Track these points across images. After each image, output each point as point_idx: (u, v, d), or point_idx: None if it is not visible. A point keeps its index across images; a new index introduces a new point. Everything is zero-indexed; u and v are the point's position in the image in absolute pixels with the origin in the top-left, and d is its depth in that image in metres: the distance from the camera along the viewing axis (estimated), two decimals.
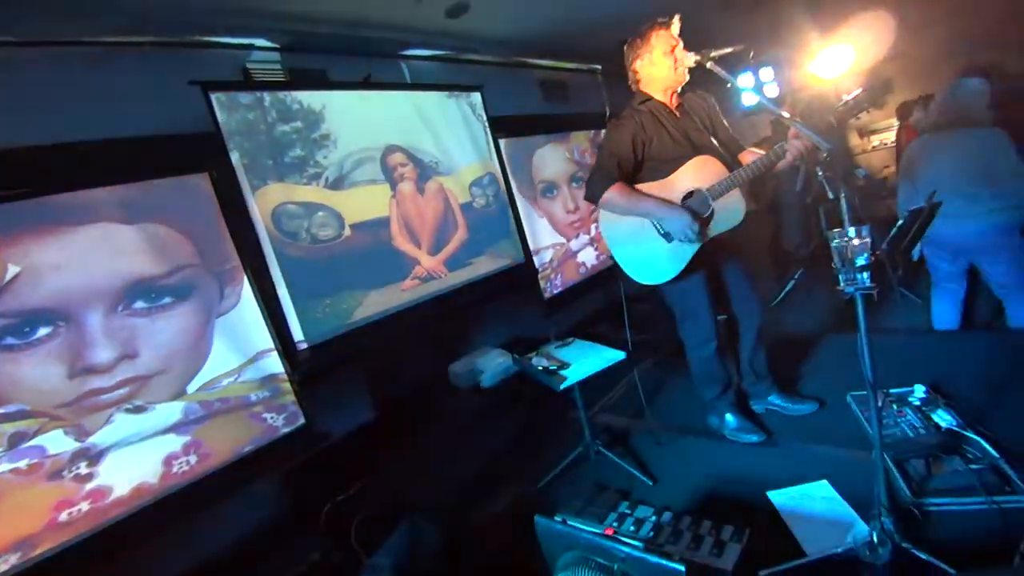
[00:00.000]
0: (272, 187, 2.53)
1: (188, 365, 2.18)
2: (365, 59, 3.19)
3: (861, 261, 1.16)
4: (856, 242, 1.16)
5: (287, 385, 2.43)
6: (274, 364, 2.41)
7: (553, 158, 4.12)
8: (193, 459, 2.12)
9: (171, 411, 2.10)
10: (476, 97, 3.56)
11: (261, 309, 2.39)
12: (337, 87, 2.89)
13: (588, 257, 4.24)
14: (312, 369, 2.55)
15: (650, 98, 1.99)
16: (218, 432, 2.21)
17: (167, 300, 2.14)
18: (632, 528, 1.73)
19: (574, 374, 1.96)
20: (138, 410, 2.04)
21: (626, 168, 1.94)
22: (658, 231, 1.94)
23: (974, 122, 2.32)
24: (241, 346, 2.32)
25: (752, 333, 2.22)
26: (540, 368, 2.01)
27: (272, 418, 2.38)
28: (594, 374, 2.00)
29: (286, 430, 2.40)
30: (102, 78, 2.22)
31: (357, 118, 2.91)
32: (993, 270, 2.39)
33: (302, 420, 2.46)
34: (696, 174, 1.90)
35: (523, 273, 3.68)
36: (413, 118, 3.19)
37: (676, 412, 2.53)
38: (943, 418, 1.82)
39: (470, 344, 3.47)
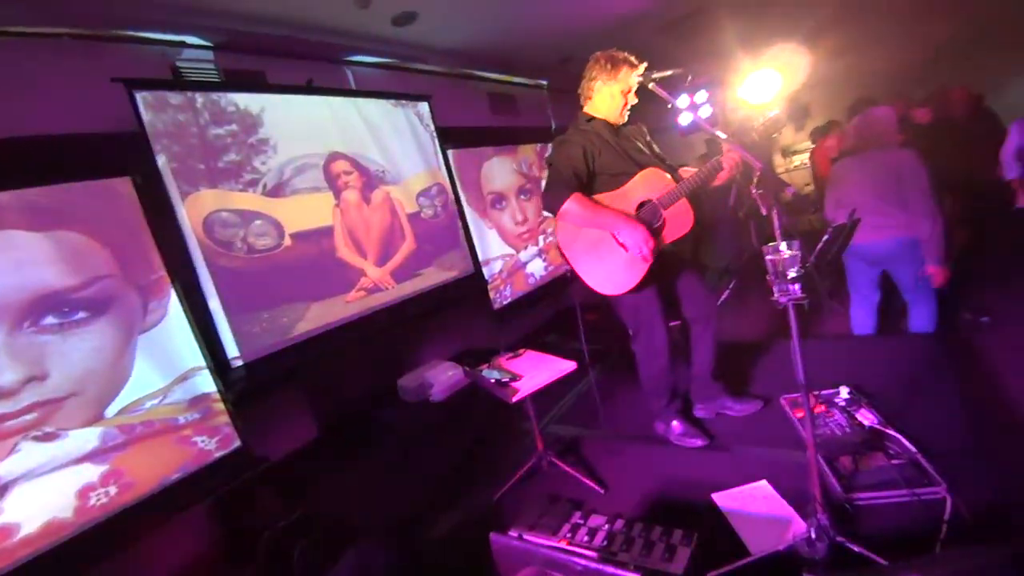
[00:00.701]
0: (204, 193, 2.37)
1: (106, 386, 1.98)
2: (306, 62, 3.08)
3: (792, 273, 1.24)
4: (788, 256, 1.24)
5: (220, 405, 2.27)
6: (205, 383, 2.24)
7: (502, 170, 4.14)
8: (113, 490, 1.93)
9: (86, 437, 1.90)
10: (424, 107, 3.52)
11: (190, 324, 2.22)
12: (276, 90, 2.76)
13: (537, 268, 4.29)
14: (248, 387, 2.40)
15: (594, 119, 2.08)
16: (141, 459, 2.01)
17: (81, 315, 1.94)
18: (586, 538, 1.73)
19: (526, 386, 1.95)
20: (48, 437, 1.83)
21: (581, 179, 1.98)
22: (616, 240, 1.98)
23: (885, 145, 2.58)
24: (167, 364, 2.14)
25: (708, 335, 2.31)
26: (492, 380, 1.99)
27: (204, 441, 2.20)
28: (546, 385, 2.01)
29: (219, 454, 2.23)
30: (8, 69, 2.00)
31: (298, 123, 2.80)
32: (904, 277, 2.66)
33: (237, 442, 2.29)
34: (646, 186, 1.98)
35: (472, 284, 3.66)
36: (358, 125, 3.11)
37: (624, 420, 2.58)
38: (866, 417, 1.97)
39: (419, 357, 3.40)
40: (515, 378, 2.01)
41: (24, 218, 1.84)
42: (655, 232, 1.95)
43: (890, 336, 2.92)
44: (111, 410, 1.97)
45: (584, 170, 1.98)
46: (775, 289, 1.29)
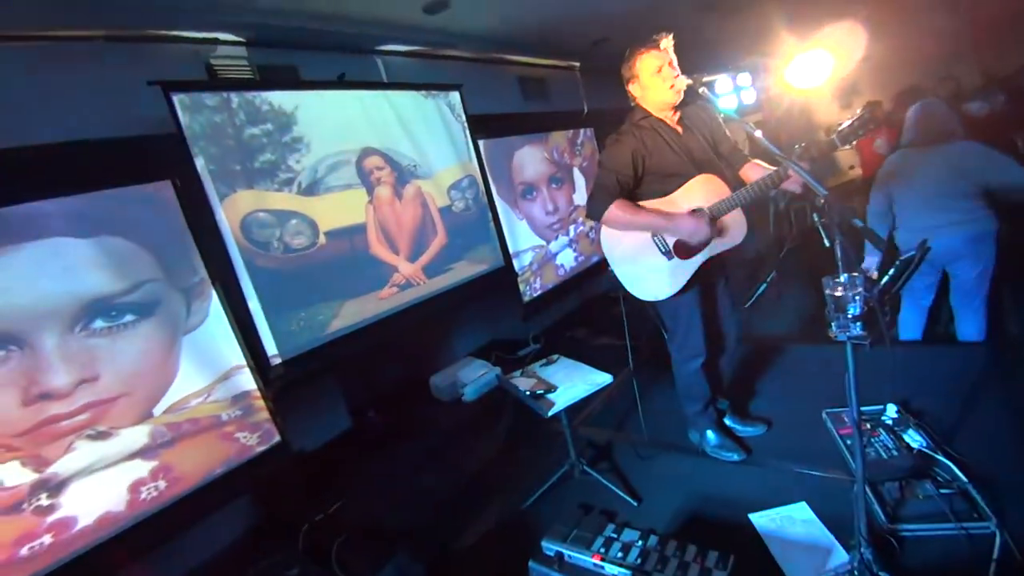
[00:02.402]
0: (241, 194, 2.39)
1: (154, 386, 2.06)
2: (338, 54, 3.03)
3: (854, 311, 1.17)
4: (850, 292, 1.17)
5: (260, 402, 2.33)
6: (246, 381, 2.30)
7: (532, 159, 4.06)
8: (162, 484, 2.02)
9: (137, 436, 1.99)
10: (455, 96, 3.45)
11: (231, 324, 2.27)
12: (310, 87, 2.73)
13: (567, 259, 4.23)
14: (287, 384, 2.46)
15: (649, 114, 1.95)
16: (188, 455, 2.10)
17: (129, 318, 2.00)
18: (619, 554, 1.73)
19: (562, 399, 1.94)
20: (101, 436, 1.92)
21: (626, 184, 1.90)
22: (659, 249, 1.92)
23: (950, 136, 2.43)
24: (211, 364, 2.21)
25: (732, 349, 2.26)
26: (527, 392, 1.98)
27: (245, 437, 2.28)
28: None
29: (260, 449, 2.31)
30: (48, 75, 2.02)
31: (331, 119, 2.77)
32: (965, 276, 2.49)
33: (277, 438, 2.37)
34: (699, 193, 1.88)
35: (502, 277, 3.64)
36: (390, 119, 3.06)
37: (657, 425, 2.56)
38: (914, 439, 1.90)
39: (449, 350, 3.42)
40: (550, 388, 2.00)
41: (70, 225, 1.89)
42: (701, 244, 1.89)
43: (938, 345, 2.77)
44: (159, 409, 2.05)
45: (630, 173, 1.89)
46: (833, 324, 1.23)
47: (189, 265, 2.18)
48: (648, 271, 1.98)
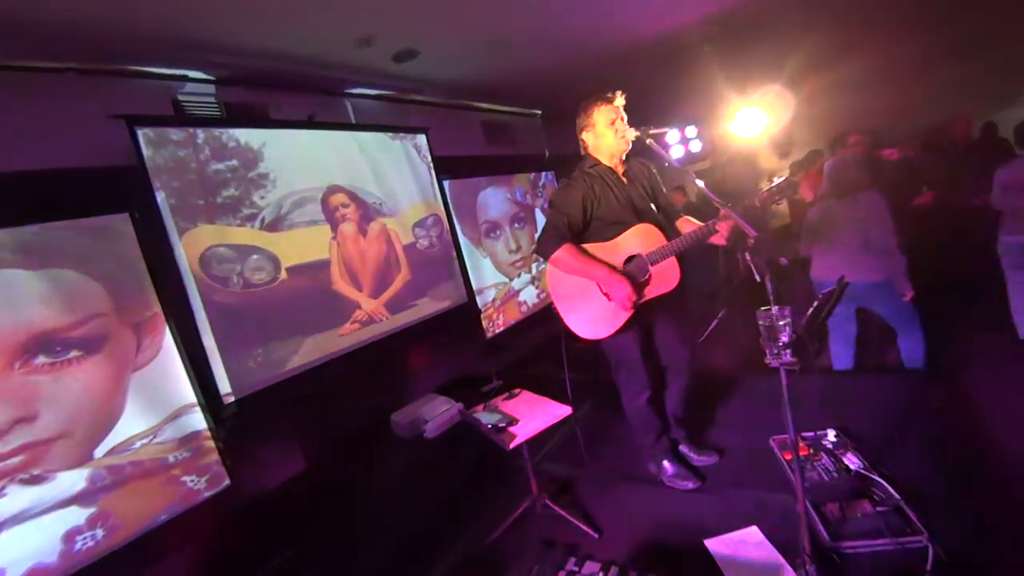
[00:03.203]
0: (202, 229, 2.38)
1: (96, 426, 1.96)
2: (307, 95, 3.13)
3: (784, 339, 1.29)
4: (780, 322, 1.29)
5: (211, 443, 2.25)
6: (197, 421, 2.22)
7: (496, 199, 4.20)
8: (100, 533, 1.90)
9: (74, 480, 1.88)
10: (421, 139, 3.58)
11: (184, 362, 2.21)
12: (278, 125, 2.79)
13: (530, 296, 4.33)
14: (240, 424, 2.38)
15: (598, 163, 2.12)
16: (129, 501, 1.99)
17: (73, 354, 1.93)
18: None
19: (523, 431, 1.97)
20: (35, 480, 1.80)
21: (575, 226, 2.05)
22: (600, 290, 2.04)
23: (856, 189, 2.73)
24: (160, 403, 2.13)
25: (679, 383, 2.35)
26: (489, 425, 2.00)
27: (193, 481, 2.18)
28: (543, 431, 2.03)
29: (209, 493, 2.21)
30: (10, 103, 2.01)
31: (299, 157, 2.83)
32: (886, 312, 2.79)
33: (227, 481, 2.27)
34: (638, 240, 2.03)
35: (466, 313, 3.69)
36: (357, 158, 3.14)
37: (616, 456, 2.61)
38: (852, 461, 2.02)
39: (411, 386, 3.39)
40: (512, 422, 2.02)
41: (18, 257, 1.83)
42: (640, 286, 2.01)
43: (873, 374, 2.98)
44: (100, 451, 1.95)
45: (580, 218, 2.05)
46: (767, 352, 1.34)
47: (142, 299, 2.13)
48: (590, 310, 2.09)
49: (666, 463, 2.28)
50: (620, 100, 2.07)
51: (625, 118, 2.07)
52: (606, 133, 2.06)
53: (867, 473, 1.93)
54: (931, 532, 1.61)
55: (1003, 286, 3.12)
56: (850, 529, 1.72)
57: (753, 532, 1.87)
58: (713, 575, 1.73)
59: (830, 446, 2.14)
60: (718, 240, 1.93)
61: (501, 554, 2.08)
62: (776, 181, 1.78)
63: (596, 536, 2.05)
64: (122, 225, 2.11)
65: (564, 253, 2.00)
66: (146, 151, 2.20)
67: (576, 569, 1.84)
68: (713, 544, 1.85)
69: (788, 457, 2.16)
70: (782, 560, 1.70)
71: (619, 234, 2.05)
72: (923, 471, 1.95)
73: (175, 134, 2.32)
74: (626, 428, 2.45)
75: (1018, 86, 5.89)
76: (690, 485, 2.20)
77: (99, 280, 2.02)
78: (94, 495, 1.91)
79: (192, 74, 2.60)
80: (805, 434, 2.23)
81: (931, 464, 2.00)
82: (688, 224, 2.11)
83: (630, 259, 2.05)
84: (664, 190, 2.25)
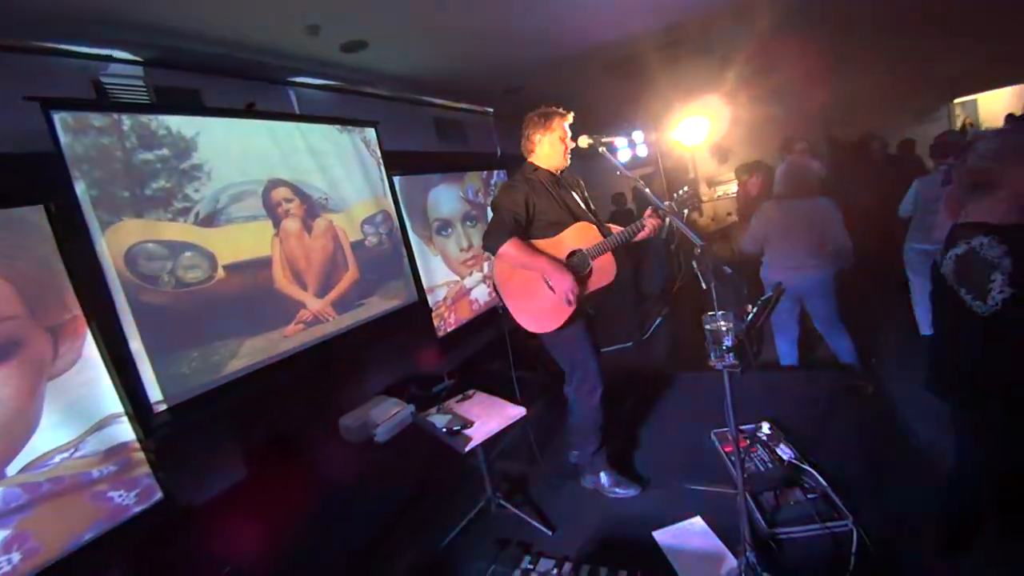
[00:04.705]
0: (128, 223, 2.20)
1: (7, 441, 1.77)
2: (247, 82, 2.95)
3: (728, 343, 1.37)
4: (723, 327, 1.36)
5: (140, 455, 2.09)
6: (124, 432, 2.06)
7: (448, 197, 4.16)
8: (16, 557, 1.72)
9: None
10: (371, 132, 3.47)
11: (108, 367, 2.03)
12: (213, 113, 2.62)
13: (481, 294, 4.32)
14: (173, 433, 2.22)
15: (539, 168, 2.21)
16: (49, 520, 1.81)
17: None
18: None
19: (478, 434, 1.97)
20: None
21: (520, 223, 2.11)
22: (547, 283, 2.09)
23: (808, 192, 2.92)
24: (80, 413, 1.95)
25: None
26: (443, 429, 1.99)
27: (121, 496, 2.02)
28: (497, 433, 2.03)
29: (138, 509, 2.05)
30: None
31: (237, 148, 2.66)
32: (820, 311, 3.00)
33: (159, 495, 2.12)
34: (578, 236, 2.12)
35: (416, 312, 3.63)
36: (301, 151, 3.01)
37: (567, 454, 2.65)
38: (784, 451, 2.17)
39: (361, 387, 3.30)
40: (467, 424, 2.02)
41: None
42: (582, 279, 2.10)
43: (804, 369, 3.21)
44: (12, 468, 1.77)
45: (524, 215, 2.11)
46: (711, 355, 1.41)
47: (59, 301, 1.94)
48: (536, 304, 2.14)
49: (603, 475, 2.30)
50: (570, 119, 2.19)
51: (570, 136, 2.19)
52: (557, 146, 2.17)
53: (798, 463, 2.08)
54: (855, 516, 1.76)
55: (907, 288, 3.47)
56: (784, 516, 1.85)
57: (696, 522, 1.97)
58: (661, 565, 1.81)
59: (765, 438, 2.29)
60: (643, 235, 2.09)
61: (456, 555, 2.08)
62: (680, 193, 1.96)
63: (550, 533, 2.08)
64: (36, 218, 1.91)
65: (511, 247, 2.05)
66: (63, 138, 2.00)
67: (531, 567, 1.87)
68: (660, 535, 1.94)
69: (728, 449, 2.29)
70: (724, 548, 1.81)
71: (560, 232, 2.13)
72: (846, 459, 2.13)
73: (97, 119, 2.13)
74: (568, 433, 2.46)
75: (935, 103, 6.54)
76: (633, 492, 2.24)
77: (9, 280, 1.82)
78: (9, 516, 1.73)
79: (117, 54, 2.38)
80: (742, 427, 2.37)
81: (854, 451, 2.19)
82: (614, 229, 2.20)
83: (572, 254, 2.13)
84: (591, 204, 2.32)
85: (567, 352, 2.26)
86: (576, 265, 2.11)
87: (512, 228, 2.08)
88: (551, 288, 2.08)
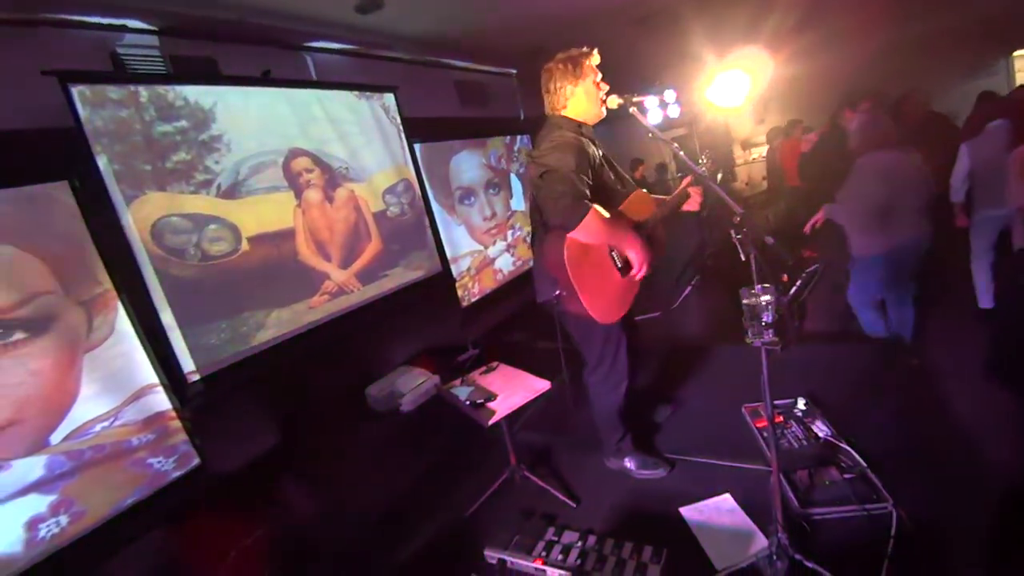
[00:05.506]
0: (151, 197, 2.20)
1: (49, 412, 1.84)
2: (263, 48, 2.87)
3: (767, 319, 1.28)
4: (763, 300, 1.27)
5: (177, 423, 2.16)
6: (160, 401, 2.12)
7: (470, 164, 4.05)
8: (64, 520, 1.81)
9: (30, 467, 1.77)
10: (390, 98, 3.37)
11: (141, 339, 2.08)
12: (230, 82, 2.57)
13: (505, 264, 4.26)
14: (207, 402, 2.29)
15: (583, 123, 1.90)
16: (93, 486, 1.90)
17: (18, 336, 1.78)
18: (560, 557, 1.78)
19: (502, 407, 1.95)
20: None
21: (588, 189, 1.73)
22: (614, 264, 1.82)
23: (896, 145, 2.52)
24: (118, 384, 2.01)
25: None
26: (467, 401, 1.97)
27: (160, 463, 2.10)
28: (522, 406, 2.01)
29: (177, 474, 2.14)
30: None
31: (255, 118, 2.62)
32: (914, 270, 2.60)
33: (196, 460, 2.20)
34: (638, 207, 1.90)
35: (440, 282, 3.60)
36: (320, 119, 2.94)
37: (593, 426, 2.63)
38: (820, 429, 2.09)
39: (386, 358, 3.33)
40: (490, 397, 2.00)
41: None
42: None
43: (841, 343, 3.06)
44: (56, 436, 1.84)
45: (588, 181, 1.74)
46: (749, 331, 1.33)
47: (90, 275, 1.97)
48: (608, 291, 1.81)
49: (628, 460, 2.20)
50: (597, 59, 1.87)
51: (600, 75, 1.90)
52: (593, 92, 1.86)
53: (835, 441, 2.00)
54: (895, 498, 1.68)
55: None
56: (818, 496, 1.78)
57: (726, 499, 1.92)
58: (688, 541, 1.78)
59: (800, 414, 2.21)
60: (691, 206, 1.87)
61: (481, 525, 2.10)
62: (703, 159, 1.80)
63: (574, 505, 2.08)
64: (62, 194, 1.93)
65: (595, 219, 1.65)
66: (82, 111, 1.99)
67: (555, 539, 1.87)
68: (688, 511, 1.91)
69: (760, 425, 2.22)
70: (754, 527, 1.77)
71: (620, 203, 1.86)
72: (887, 439, 2.03)
73: (114, 92, 2.10)
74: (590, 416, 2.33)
75: (990, 57, 5.92)
76: (661, 473, 2.15)
77: (40, 256, 1.85)
78: (54, 482, 1.82)
79: (132, 23, 2.34)
80: (777, 402, 2.28)
81: (896, 431, 2.09)
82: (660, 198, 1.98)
83: (637, 227, 1.87)
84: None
85: (599, 343, 2.02)
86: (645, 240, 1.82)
87: (586, 195, 1.69)
88: (620, 268, 1.80)
